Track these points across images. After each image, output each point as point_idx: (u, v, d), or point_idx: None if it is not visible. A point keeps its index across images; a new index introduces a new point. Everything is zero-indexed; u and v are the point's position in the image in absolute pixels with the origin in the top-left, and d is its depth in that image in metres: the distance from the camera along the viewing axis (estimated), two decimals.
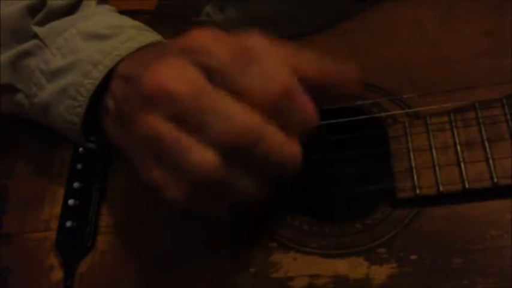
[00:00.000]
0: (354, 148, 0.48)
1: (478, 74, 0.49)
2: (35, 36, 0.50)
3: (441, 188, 0.44)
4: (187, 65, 0.40)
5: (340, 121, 0.49)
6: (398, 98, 0.49)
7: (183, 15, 0.68)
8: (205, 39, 0.40)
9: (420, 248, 0.43)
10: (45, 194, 0.53)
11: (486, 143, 0.45)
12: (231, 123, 0.38)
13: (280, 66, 0.40)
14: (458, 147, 0.45)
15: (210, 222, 0.45)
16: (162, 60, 0.40)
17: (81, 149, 0.54)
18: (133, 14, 0.55)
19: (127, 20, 0.52)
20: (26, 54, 0.50)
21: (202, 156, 0.38)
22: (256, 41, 0.40)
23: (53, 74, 0.49)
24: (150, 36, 0.50)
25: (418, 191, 0.44)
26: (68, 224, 0.51)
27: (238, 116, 0.38)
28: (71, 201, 0.52)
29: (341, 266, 0.44)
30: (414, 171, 0.45)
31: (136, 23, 0.52)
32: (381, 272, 0.43)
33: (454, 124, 0.46)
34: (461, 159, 0.45)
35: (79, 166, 0.54)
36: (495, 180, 0.43)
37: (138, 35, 0.49)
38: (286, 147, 0.40)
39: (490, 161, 0.44)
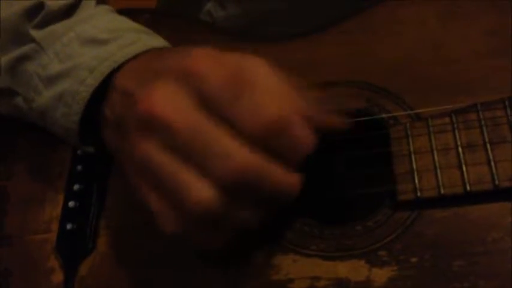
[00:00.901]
0: (355, 149, 0.48)
1: (480, 75, 0.48)
2: (33, 40, 0.50)
3: (442, 191, 0.44)
4: (184, 93, 0.39)
5: None
6: (400, 99, 0.49)
7: (184, 13, 0.68)
8: (205, 64, 0.40)
9: (421, 251, 0.43)
10: (45, 195, 0.53)
11: (488, 145, 0.44)
12: (231, 161, 0.38)
13: (273, 98, 0.39)
14: (460, 149, 0.45)
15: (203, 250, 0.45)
16: (158, 82, 0.40)
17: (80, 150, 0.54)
18: (133, 13, 0.55)
19: (126, 23, 0.51)
20: (24, 58, 0.50)
21: (202, 192, 0.39)
22: (255, 70, 0.40)
23: (50, 80, 0.49)
24: (150, 40, 0.50)
25: (419, 193, 0.44)
26: (69, 226, 0.51)
27: (238, 154, 0.38)
28: (71, 203, 0.52)
29: (342, 269, 0.44)
30: (415, 173, 0.45)
31: (136, 25, 0.51)
32: (381, 275, 0.43)
33: (455, 126, 0.46)
34: (462, 161, 0.44)
35: (79, 168, 0.54)
36: (496, 182, 0.43)
37: (137, 39, 0.49)
38: (286, 180, 0.40)
39: (492, 163, 0.44)
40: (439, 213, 0.44)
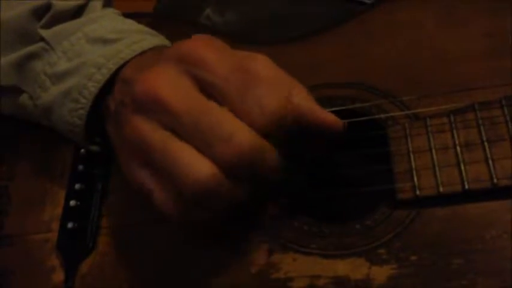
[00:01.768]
0: (354, 149, 0.49)
1: (477, 76, 0.49)
2: (41, 39, 0.51)
3: (441, 189, 0.44)
4: (181, 75, 0.40)
5: None
6: (398, 100, 0.50)
7: (182, 17, 0.68)
8: (204, 50, 0.41)
9: (420, 249, 0.43)
10: (46, 195, 0.54)
11: (486, 144, 0.45)
12: (233, 142, 0.39)
13: (275, 94, 0.40)
14: (458, 148, 0.45)
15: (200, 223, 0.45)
16: (156, 66, 0.41)
17: (82, 150, 0.54)
18: (136, 16, 0.56)
19: (132, 24, 0.53)
20: (32, 56, 0.51)
21: (203, 171, 0.39)
22: (259, 65, 0.41)
23: (58, 77, 0.49)
24: (155, 40, 0.51)
25: (418, 192, 0.45)
26: (70, 225, 0.51)
27: (241, 135, 0.39)
28: (72, 203, 0.52)
29: (341, 267, 0.44)
30: (414, 172, 0.45)
31: (142, 27, 0.53)
32: (381, 273, 0.43)
33: (453, 125, 0.46)
34: (461, 160, 0.45)
35: (80, 167, 0.54)
36: (495, 181, 0.43)
37: (142, 39, 0.50)
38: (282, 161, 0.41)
39: (490, 161, 0.44)
40: (438, 212, 0.44)
